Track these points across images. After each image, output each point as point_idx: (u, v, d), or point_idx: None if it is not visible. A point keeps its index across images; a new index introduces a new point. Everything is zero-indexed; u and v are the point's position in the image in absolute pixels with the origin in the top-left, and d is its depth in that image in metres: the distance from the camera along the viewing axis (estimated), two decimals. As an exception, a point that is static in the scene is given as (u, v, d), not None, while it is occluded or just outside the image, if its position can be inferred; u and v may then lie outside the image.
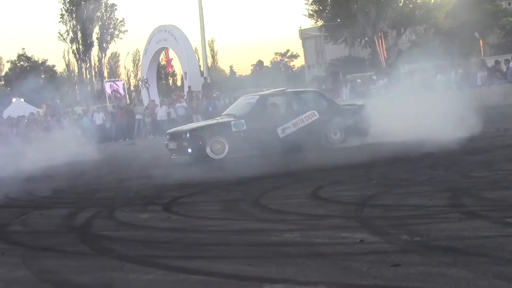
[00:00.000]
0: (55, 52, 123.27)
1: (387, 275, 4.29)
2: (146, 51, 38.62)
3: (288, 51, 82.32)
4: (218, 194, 9.20)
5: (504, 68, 25.72)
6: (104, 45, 57.32)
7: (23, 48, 77.74)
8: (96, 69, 58.24)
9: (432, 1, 44.27)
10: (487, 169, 8.95)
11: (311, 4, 46.02)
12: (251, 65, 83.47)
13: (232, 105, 18.26)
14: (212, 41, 72.96)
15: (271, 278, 4.46)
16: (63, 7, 55.84)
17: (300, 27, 64.32)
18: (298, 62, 78.64)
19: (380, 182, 8.67)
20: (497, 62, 26.45)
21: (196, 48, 46.58)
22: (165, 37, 36.84)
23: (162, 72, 63.66)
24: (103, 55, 58.78)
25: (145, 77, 37.99)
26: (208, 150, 14.52)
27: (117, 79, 53.24)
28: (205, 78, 35.47)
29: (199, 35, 37.73)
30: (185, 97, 31.80)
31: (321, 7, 45.66)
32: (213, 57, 73.72)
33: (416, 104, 15.08)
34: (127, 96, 44.22)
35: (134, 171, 14.02)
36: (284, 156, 13.96)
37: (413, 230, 5.50)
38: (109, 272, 5.08)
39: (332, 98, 23.05)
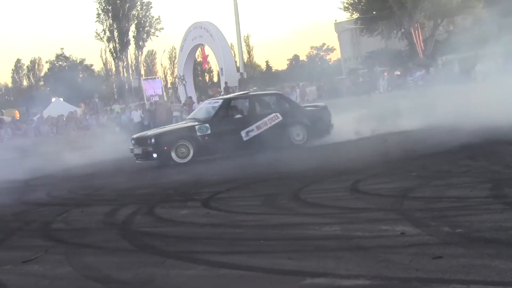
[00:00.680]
0: (93, 51, 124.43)
1: (429, 267, 4.23)
2: (182, 48, 38.76)
3: (324, 44, 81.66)
4: (256, 189, 9.21)
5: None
6: (140, 43, 57.58)
7: (62, 48, 78.51)
8: (133, 67, 58.57)
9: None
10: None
11: (346, -3, 45.66)
12: (287, 59, 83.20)
13: (196, 109, 19.00)
14: (247, 36, 72.77)
15: (312, 272, 4.44)
16: (99, 7, 56.34)
17: (336, 20, 63.74)
18: (334, 56, 77.96)
19: (420, 175, 8.56)
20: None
21: (231, 44, 46.55)
22: (200, 33, 36.92)
23: (199, 69, 63.98)
24: (140, 53, 59.04)
25: (181, 74, 38.14)
26: (173, 154, 14.66)
27: (154, 76, 53.51)
28: (241, 73, 35.45)
29: (235, 31, 37.68)
30: (222, 93, 31.87)
31: (356, 0, 45.30)
32: (249, 52, 73.57)
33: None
34: (164, 93, 44.44)
35: (171, 167, 14.18)
36: (322, 151, 13.91)
37: (455, 222, 5.42)
38: (150, 268, 5.11)
39: (368, 90, 23.01)
